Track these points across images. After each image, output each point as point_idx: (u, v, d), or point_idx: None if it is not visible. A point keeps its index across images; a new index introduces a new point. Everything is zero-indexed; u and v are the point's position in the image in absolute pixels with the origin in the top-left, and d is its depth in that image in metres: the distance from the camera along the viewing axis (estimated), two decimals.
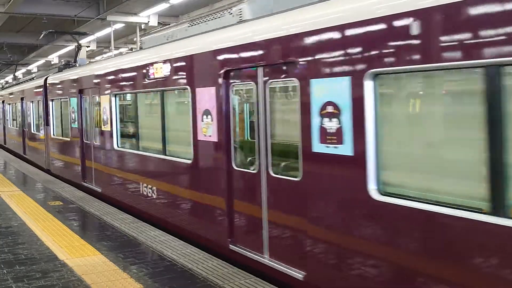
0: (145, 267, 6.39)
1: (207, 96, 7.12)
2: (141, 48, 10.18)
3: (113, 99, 10.64)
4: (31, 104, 19.03)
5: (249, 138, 6.67)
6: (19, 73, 47.87)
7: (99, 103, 11.36)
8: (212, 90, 7.01)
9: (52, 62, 37.13)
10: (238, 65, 6.48)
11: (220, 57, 6.86)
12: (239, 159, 6.79)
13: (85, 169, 12.74)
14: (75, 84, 13.22)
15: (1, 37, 28.24)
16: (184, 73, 7.77)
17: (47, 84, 16.21)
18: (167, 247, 7.23)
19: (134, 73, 9.48)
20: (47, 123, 16.44)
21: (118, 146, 10.63)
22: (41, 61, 39.64)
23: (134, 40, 27.20)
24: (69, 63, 16.96)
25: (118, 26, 25.83)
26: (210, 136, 7.11)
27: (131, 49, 29.92)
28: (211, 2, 21.22)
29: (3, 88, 31.80)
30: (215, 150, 7.03)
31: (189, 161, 7.70)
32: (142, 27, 24.76)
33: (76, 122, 13.21)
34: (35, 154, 18.85)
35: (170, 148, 8.61)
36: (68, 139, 13.98)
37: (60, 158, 15.08)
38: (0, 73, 48.35)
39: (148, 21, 22.94)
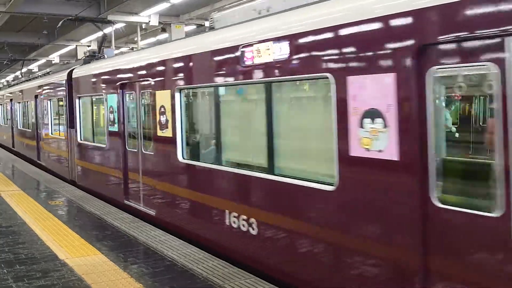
0: (146, 267, 6.39)
1: (374, 88, 4.63)
2: (212, 28, 7.98)
3: (177, 95, 8.02)
4: (49, 102, 16.26)
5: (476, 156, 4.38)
6: (19, 73, 47.91)
7: (153, 101, 8.78)
8: (387, 78, 4.49)
9: (53, 62, 37.16)
10: (455, 33, 3.93)
11: (410, 24, 4.31)
12: (451, 191, 4.31)
13: (128, 184, 10.12)
14: (114, 78, 10.56)
15: (2, 36, 28.26)
16: (321, 54, 5.24)
17: (72, 79, 13.42)
18: (168, 246, 7.23)
19: (214, 59, 7.07)
20: (71, 125, 13.68)
21: (183, 158, 8.01)
22: (42, 61, 39.68)
23: (135, 39, 27.22)
24: (95, 54, 14.37)
25: (119, 25, 25.84)
26: (380, 151, 4.59)
27: (132, 48, 29.93)
28: (212, 1, 21.22)
29: (10, 86, 28.97)
30: (393, 174, 4.53)
31: (330, 188, 5.14)
32: (143, 27, 24.78)
33: (115, 125, 10.49)
34: (53, 161, 16.10)
35: (283, 165, 6.07)
36: (103, 146, 11.27)
37: (90, 167, 12.27)
38: (1, 73, 48.41)
39: (149, 21, 22.96)
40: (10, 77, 52.80)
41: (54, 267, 6.41)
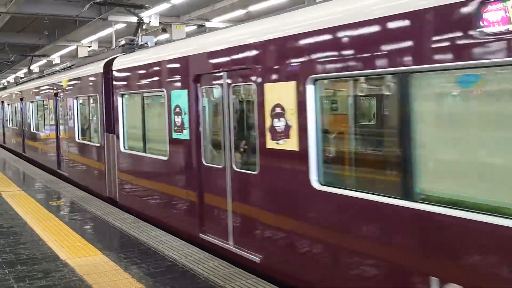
0: (146, 267, 6.40)
1: None
2: None
3: (310, 89, 5.40)
4: (75, 101, 13.44)
5: None
6: (20, 73, 47.98)
7: (259, 98, 6.15)
8: None
9: (54, 62, 37.22)
10: None
11: None
12: None
13: (206, 212, 7.48)
14: (184, 67, 7.90)
15: (3, 37, 28.31)
16: None
17: (112, 72, 10.65)
18: (169, 247, 7.24)
19: (400, 29, 4.45)
20: (108, 130, 11.04)
21: (321, 183, 5.35)
22: (43, 61, 39.76)
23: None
24: (133, 42, 11.87)
25: (119, 26, 25.89)
26: None
27: None
28: (213, 2, 21.26)
29: (18, 84, 25.80)
30: None
31: None
32: (143, 27, 24.81)
33: (185, 131, 7.84)
34: (81, 172, 13.27)
35: None
36: (163, 158, 8.52)
37: (140, 184, 9.53)
38: (2, 73, 48.46)
39: (150, 21, 22.98)
40: (11, 78, 52.84)
41: (55, 267, 6.43)
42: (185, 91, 7.78)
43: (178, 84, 8.05)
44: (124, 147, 10.38)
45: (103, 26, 25.54)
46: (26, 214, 9.56)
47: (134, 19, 22.91)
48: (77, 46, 30.87)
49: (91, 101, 12.34)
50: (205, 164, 7.46)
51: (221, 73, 6.99)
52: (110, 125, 10.94)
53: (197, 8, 22.50)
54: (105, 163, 11.21)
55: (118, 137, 10.50)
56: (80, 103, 13.36)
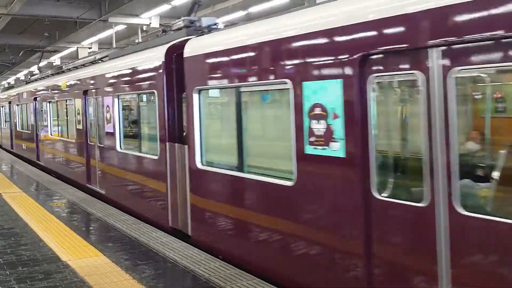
0: (147, 268, 6.41)
1: None
2: None
3: None
4: (115, 100, 10.56)
5: None
6: (20, 75, 47.99)
7: None
8: None
9: (54, 64, 37.25)
10: None
11: None
12: None
13: (377, 273, 4.72)
14: (331, 45, 5.10)
15: (4, 38, 28.35)
16: None
17: (184, 60, 7.89)
18: (169, 248, 7.25)
19: None
20: (173, 138, 8.41)
21: None
22: (43, 62, 39.78)
23: (136, 41, 27.25)
24: (194, 24, 9.19)
25: (120, 27, 25.93)
26: None
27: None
28: (213, 3, 21.28)
29: (28, 82, 22.96)
30: None
31: None
32: (144, 29, 24.86)
33: (334, 144, 5.09)
34: (126, 192, 10.33)
35: None
36: (288, 183, 5.77)
37: (236, 217, 6.72)
38: (2, 75, 48.49)
39: (150, 23, 23.03)
40: (11, 79, 52.85)
41: (56, 268, 6.44)
42: (338, 81, 5.00)
43: (321, 71, 5.24)
44: (202, 162, 7.58)
45: (103, 28, 25.56)
46: (26, 215, 9.56)
47: (135, 20, 22.97)
48: (77, 47, 30.91)
49: (143, 99, 9.84)
50: (380, 198, 4.69)
51: (426, 50, 4.21)
52: (175, 131, 8.41)
53: (197, 9, 22.52)
54: (167, 183, 8.47)
55: (191, 149, 7.75)
56: (125, 103, 10.68)
